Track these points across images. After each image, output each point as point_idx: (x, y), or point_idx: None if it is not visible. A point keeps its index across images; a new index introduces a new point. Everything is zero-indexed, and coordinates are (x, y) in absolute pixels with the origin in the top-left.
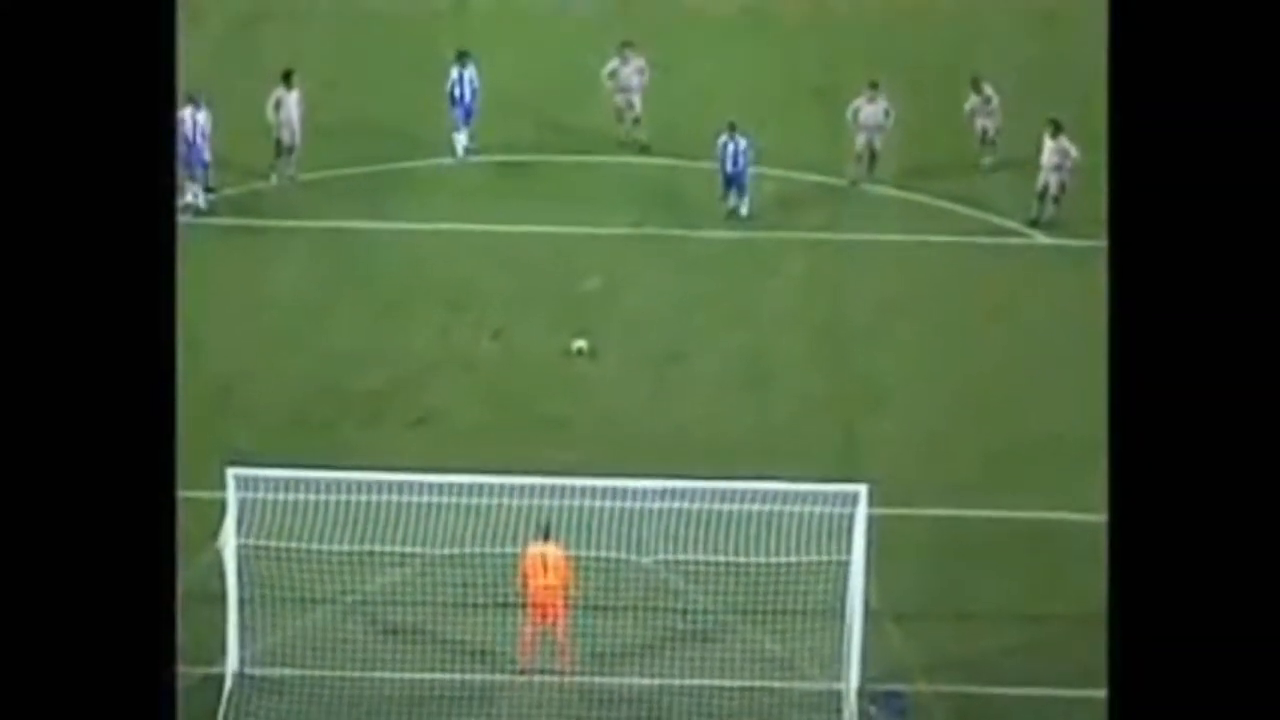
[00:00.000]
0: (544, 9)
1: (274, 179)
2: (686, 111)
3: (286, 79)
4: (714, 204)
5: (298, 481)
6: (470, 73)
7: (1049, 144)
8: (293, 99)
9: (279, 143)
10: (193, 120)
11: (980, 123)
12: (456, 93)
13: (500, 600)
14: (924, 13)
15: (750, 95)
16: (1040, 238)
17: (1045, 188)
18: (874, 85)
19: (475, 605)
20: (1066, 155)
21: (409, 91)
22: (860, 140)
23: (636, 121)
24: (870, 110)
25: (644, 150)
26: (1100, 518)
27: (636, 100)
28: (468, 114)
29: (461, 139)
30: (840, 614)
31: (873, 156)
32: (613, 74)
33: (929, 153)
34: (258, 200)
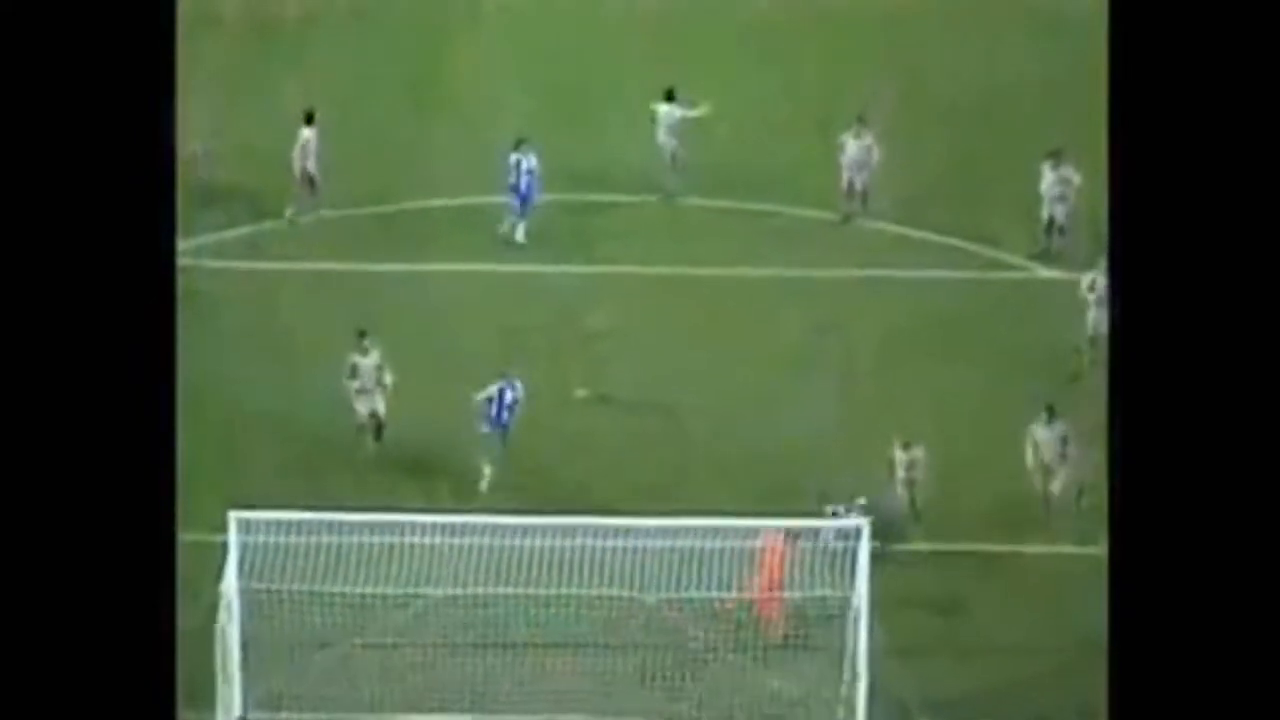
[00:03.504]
0: (541, 41)
1: (289, 215)
2: (702, 145)
3: (309, 119)
4: (714, 241)
5: (301, 524)
6: (530, 161)
7: (1049, 175)
8: (313, 138)
9: (299, 181)
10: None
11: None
12: (513, 181)
13: (504, 641)
14: (926, 41)
15: (752, 126)
16: (1040, 271)
17: (1050, 220)
18: (860, 119)
19: (479, 646)
20: (1069, 184)
21: (421, 129)
22: (845, 177)
23: (681, 165)
24: (855, 146)
25: (671, 195)
26: (1101, 550)
27: (678, 143)
28: (524, 202)
29: (521, 228)
30: (843, 650)
31: (863, 193)
32: (655, 117)
33: (928, 185)
34: (267, 240)
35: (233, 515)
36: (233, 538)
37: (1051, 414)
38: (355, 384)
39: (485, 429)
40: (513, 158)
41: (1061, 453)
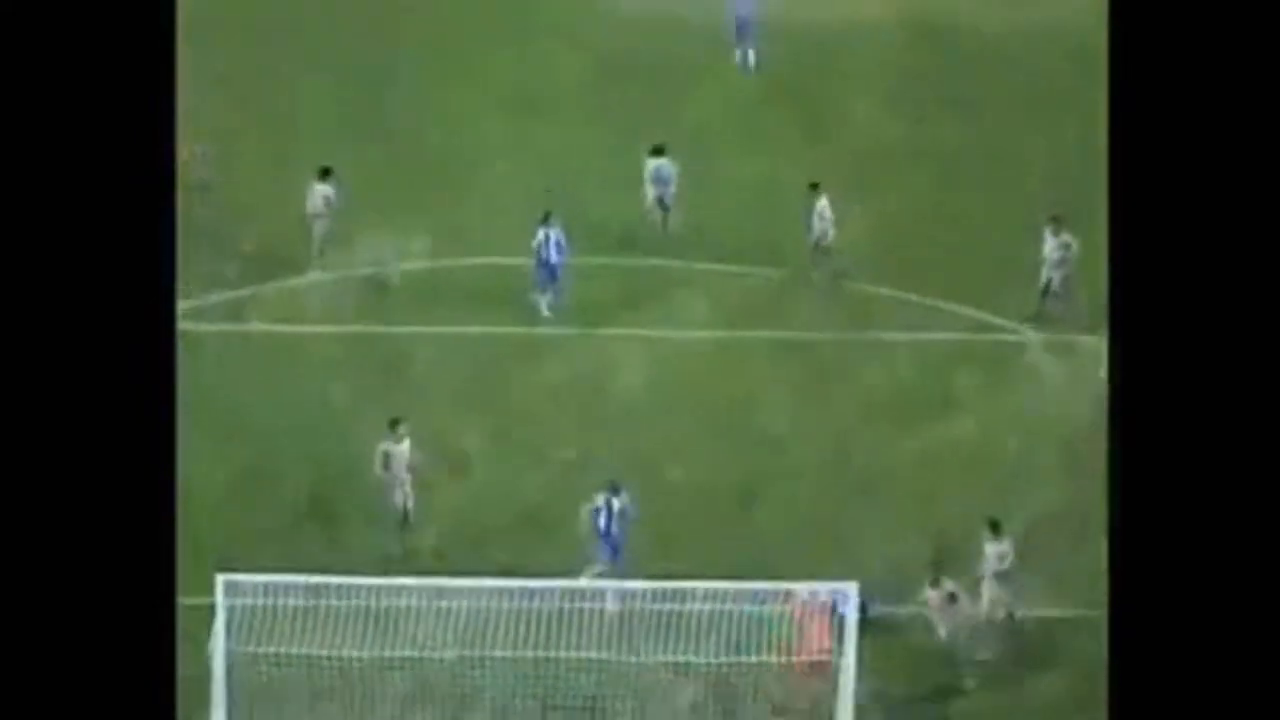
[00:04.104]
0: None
1: (309, 272)
2: (691, 206)
3: (323, 175)
4: (696, 304)
5: (289, 587)
6: (557, 233)
7: (1050, 240)
8: (331, 195)
9: (313, 238)
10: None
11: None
12: (543, 253)
13: (495, 705)
14: (919, 104)
15: (740, 188)
16: (1030, 334)
17: (1048, 284)
18: (814, 186)
19: (471, 710)
20: (1069, 249)
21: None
22: (813, 239)
23: (667, 221)
24: (814, 209)
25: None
26: (1098, 613)
27: (669, 197)
28: (553, 275)
29: (545, 300)
30: (832, 713)
31: (823, 251)
32: (644, 172)
33: (920, 249)
34: (270, 301)
35: (220, 578)
36: (220, 601)
37: (996, 529)
38: (388, 474)
39: (594, 544)
40: (540, 232)
41: (1001, 568)
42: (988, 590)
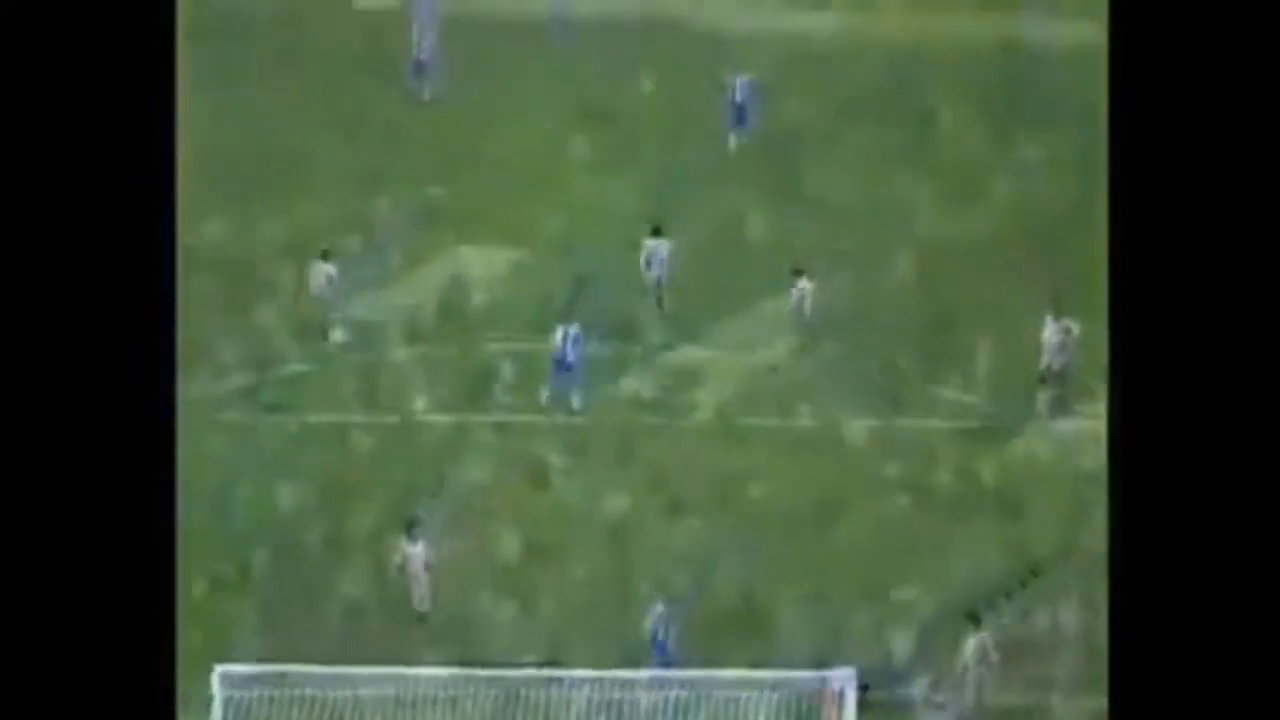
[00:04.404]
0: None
1: (314, 355)
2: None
3: (325, 255)
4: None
5: (286, 677)
6: (575, 330)
7: (1051, 324)
8: (334, 273)
9: (321, 318)
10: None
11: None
12: (559, 355)
13: None
14: (914, 187)
15: (740, 272)
16: (1031, 422)
17: (1048, 368)
18: (797, 272)
19: None
20: (1069, 333)
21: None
22: (792, 314)
23: (662, 301)
24: (795, 285)
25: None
26: (1098, 703)
27: (664, 278)
28: (569, 372)
29: (544, 392)
30: None
31: (806, 328)
32: (641, 251)
33: (912, 329)
34: (276, 386)
35: (218, 668)
36: (217, 690)
37: (977, 622)
38: (404, 575)
39: (650, 652)
40: (560, 329)
41: (983, 659)
42: (972, 684)
